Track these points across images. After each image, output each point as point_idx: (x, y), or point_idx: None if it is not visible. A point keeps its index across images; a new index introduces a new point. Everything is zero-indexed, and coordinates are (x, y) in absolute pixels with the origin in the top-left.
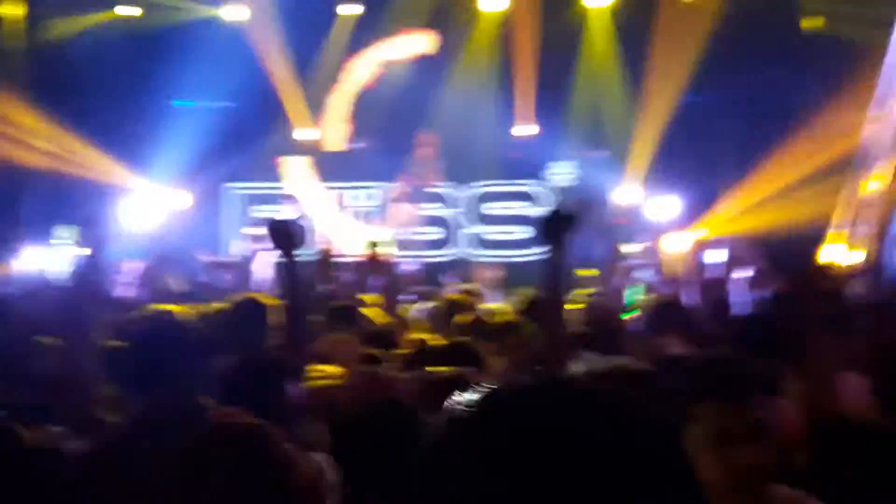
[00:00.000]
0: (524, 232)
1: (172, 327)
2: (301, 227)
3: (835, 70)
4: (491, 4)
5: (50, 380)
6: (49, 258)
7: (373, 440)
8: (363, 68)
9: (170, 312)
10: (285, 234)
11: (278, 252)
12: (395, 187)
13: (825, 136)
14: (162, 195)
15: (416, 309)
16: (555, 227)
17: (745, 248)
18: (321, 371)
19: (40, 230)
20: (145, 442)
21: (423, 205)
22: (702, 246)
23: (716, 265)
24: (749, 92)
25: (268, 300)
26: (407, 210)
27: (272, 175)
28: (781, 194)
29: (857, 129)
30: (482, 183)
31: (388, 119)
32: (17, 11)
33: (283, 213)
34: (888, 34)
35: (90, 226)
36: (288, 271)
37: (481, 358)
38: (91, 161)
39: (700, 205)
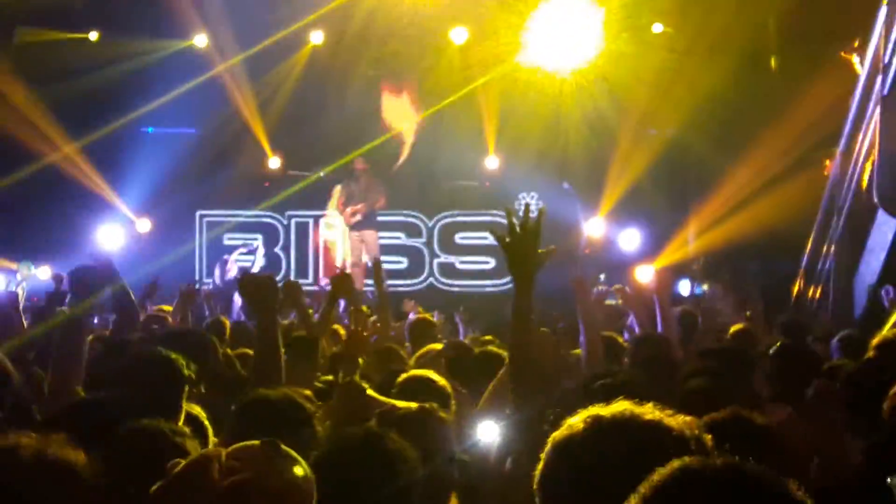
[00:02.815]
0: (494, 262)
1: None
2: (271, 280)
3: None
4: (458, 37)
5: None
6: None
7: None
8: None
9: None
10: (256, 287)
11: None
12: (346, 215)
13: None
14: (133, 221)
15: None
16: (517, 254)
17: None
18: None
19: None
20: None
21: (385, 233)
22: (668, 275)
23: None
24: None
25: None
26: (364, 237)
27: (239, 201)
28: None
29: None
30: (451, 213)
31: (353, 148)
32: None
33: (247, 247)
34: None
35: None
36: (260, 324)
37: (447, 394)
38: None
39: (665, 235)
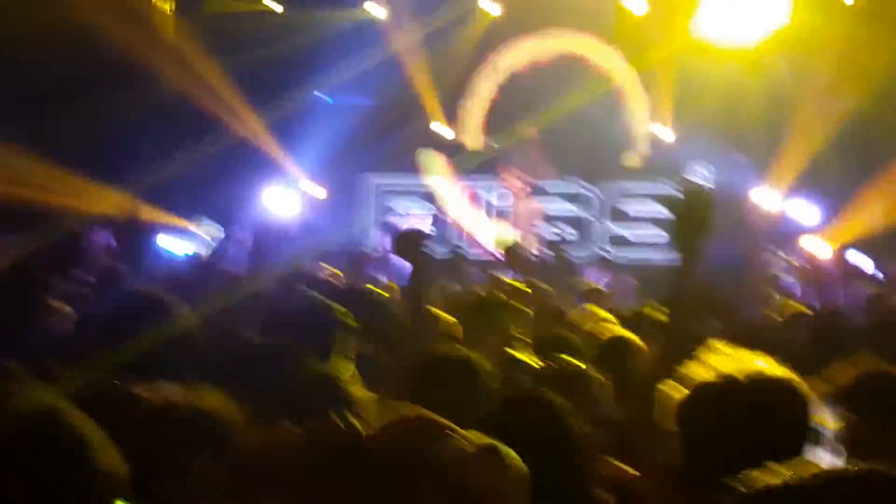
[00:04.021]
0: (661, 234)
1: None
2: (424, 234)
3: None
4: (633, 6)
5: None
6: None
7: None
8: (504, 66)
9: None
10: (410, 243)
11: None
12: (513, 184)
13: None
14: (303, 186)
15: None
16: (687, 225)
17: None
18: None
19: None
20: None
21: (552, 202)
22: (845, 250)
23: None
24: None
25: None
26: (530, 206)
27: (410, 168)
28: None
29: None
30: (619, 182)
31: (525, 118)
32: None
33: (416, 215)
34: None
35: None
36: (412, 276)
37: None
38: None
39: (840, 209)
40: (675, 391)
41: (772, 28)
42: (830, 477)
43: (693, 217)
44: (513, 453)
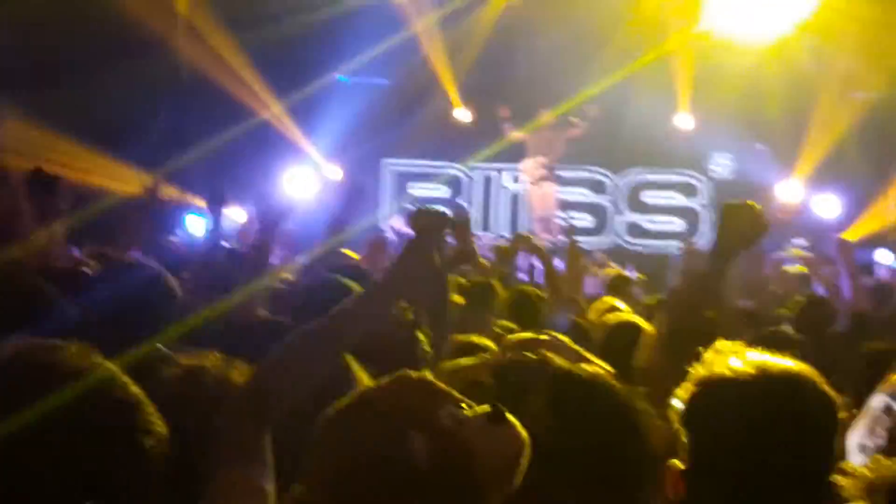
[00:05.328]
0: (680, 223)
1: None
2: (446, 217)
3: None
4: None
5: None
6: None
7: None
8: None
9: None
10: (429, 223)
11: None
12: (529, 169)
13: None
14: (322, 167)
15: None
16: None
17: None
18: None
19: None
20: None
21: (570, 189)
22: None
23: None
24: None
25: None
26: (546, 192)
27: (429, 153)
28: None
29: None
30: (639, 170)
31: (546, 103)
32: None
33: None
34: None
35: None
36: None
37: None
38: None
39: (863, 200)
40: (683, 388)
41: (793, 22)
42: None
43: (737, 229)
44: (515, 421)
